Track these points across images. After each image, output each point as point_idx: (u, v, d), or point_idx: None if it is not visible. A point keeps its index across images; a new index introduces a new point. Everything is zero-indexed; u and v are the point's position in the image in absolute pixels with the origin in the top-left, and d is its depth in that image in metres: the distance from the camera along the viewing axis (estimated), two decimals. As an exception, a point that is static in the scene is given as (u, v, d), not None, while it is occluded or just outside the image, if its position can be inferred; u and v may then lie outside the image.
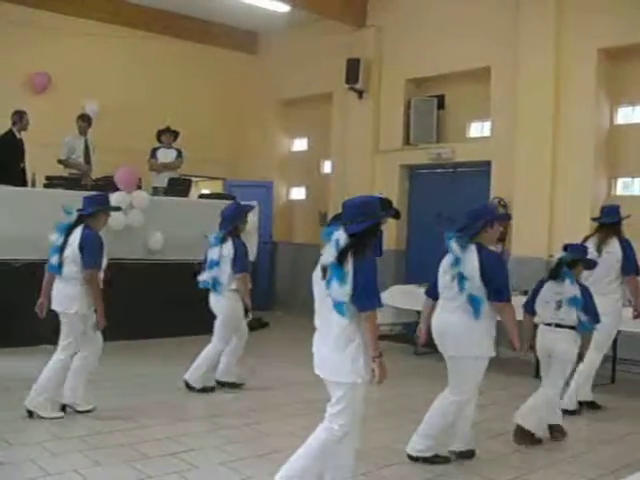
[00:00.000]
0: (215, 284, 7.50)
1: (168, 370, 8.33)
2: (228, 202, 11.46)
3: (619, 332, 7.94)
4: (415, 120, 12.33)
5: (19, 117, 10.47)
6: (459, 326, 5.30)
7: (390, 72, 12.80)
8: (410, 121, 12.40)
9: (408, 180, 12.85)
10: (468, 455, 5.62)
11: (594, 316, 6.08)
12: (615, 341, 8.42)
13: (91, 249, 6.32)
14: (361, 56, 12.80)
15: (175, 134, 11.93)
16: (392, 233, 12.38)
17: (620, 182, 10.37)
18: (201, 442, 5.93)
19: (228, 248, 7.42)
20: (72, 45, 12.76)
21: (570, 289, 6.05)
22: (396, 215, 4.86)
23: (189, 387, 7.55)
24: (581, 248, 6.49)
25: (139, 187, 10.60)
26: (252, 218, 11.17)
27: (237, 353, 7.79)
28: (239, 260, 7.38)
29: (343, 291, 4.09)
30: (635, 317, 7.26)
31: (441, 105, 12.32)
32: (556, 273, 6.19)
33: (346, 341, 4.16)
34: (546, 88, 10.34)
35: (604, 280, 7.12)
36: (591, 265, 6.49)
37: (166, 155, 11.85)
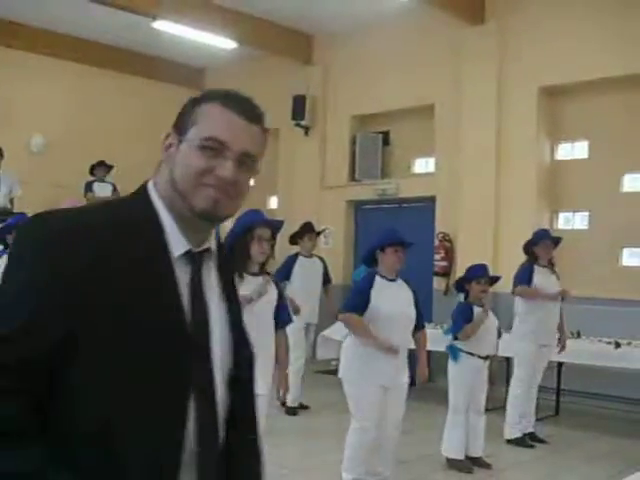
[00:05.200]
0: None
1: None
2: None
3: (562, 364, 8.07)
4: (360, 156, 12.44)
5: None
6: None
7: (335, 108, 12.92)
8: (355, 157, 12.52)
9: (354, 215, 12.93)
10: None
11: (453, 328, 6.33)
12: (559, 372, 8.56)
13: None
14: (307, 93, 12.92)
15: (109, 168, 11.83)
16: (339, 268, 12.42)
17: (562, 216, 10.57)
18: None
19: None
20: (15, 79, 12.62)
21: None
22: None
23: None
24: (478, 267, 6.55)
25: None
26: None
27: None
28: None
29: None
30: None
31: (386, 141, 12.47)
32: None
33: None
34: (489, 125, 10.54)
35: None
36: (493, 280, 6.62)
37: (102, 189, 11.74)
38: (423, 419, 7.55)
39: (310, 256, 8.64)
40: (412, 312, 5.42)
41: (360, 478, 5.32)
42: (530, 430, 7.47)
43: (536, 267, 7.36)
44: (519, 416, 7.27)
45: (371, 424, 5.24)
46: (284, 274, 8.42)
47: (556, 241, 7.51)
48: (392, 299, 5.30)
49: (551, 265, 7.50)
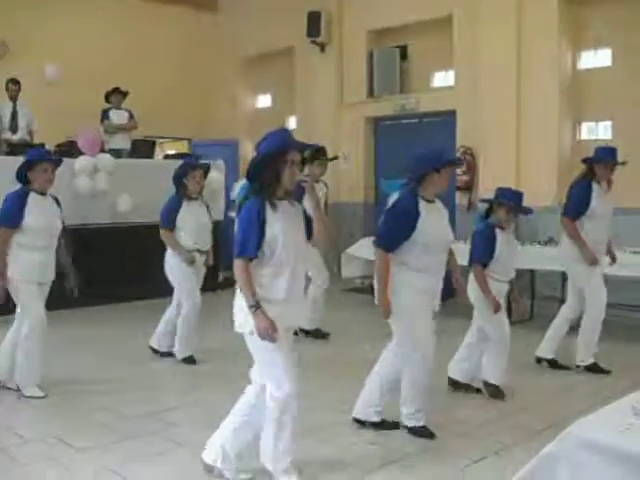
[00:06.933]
0: None
1: (137, 332, 8.24)
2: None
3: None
4: (378, 71, 12.29)
5: None
6: None
7: (351, 24, 12.70)
8: (373, 73, 12.36)
9: (373, 132, 12.84)
10: None
11: (471, 256, 6.08)
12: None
13: None
14: (322, 9, 12.69)
15: (124, 94, 11.71)
16: (360, 185, 12.43)
17: (585, 126, 10.41)
18: (178, 401, 5.96)
19: None
20: (28, 9, 12.47)
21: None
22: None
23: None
24: (513, 195, 6.06)
25: (102, 150, 10.48)
26: (218, 177, 11.11)
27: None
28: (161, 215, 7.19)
29: None
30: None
31: (404, 55, 12.26)
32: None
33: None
34: (508, 35, 10.32)
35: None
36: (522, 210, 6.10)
37: (119, 116, 11.64)
38: (449, 337, 7.54)
39: (318, 182, 8.33)
40: (451, 234, 5.18)
41: (421, 408, 5.08)
42: None
43: (594, 185, 6.68)
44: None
45: (429, 350, 4.99)
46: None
47: (619, 163, 6.73)
48: (436, 223, 4.99)
49: (608, 184, 6.79)
